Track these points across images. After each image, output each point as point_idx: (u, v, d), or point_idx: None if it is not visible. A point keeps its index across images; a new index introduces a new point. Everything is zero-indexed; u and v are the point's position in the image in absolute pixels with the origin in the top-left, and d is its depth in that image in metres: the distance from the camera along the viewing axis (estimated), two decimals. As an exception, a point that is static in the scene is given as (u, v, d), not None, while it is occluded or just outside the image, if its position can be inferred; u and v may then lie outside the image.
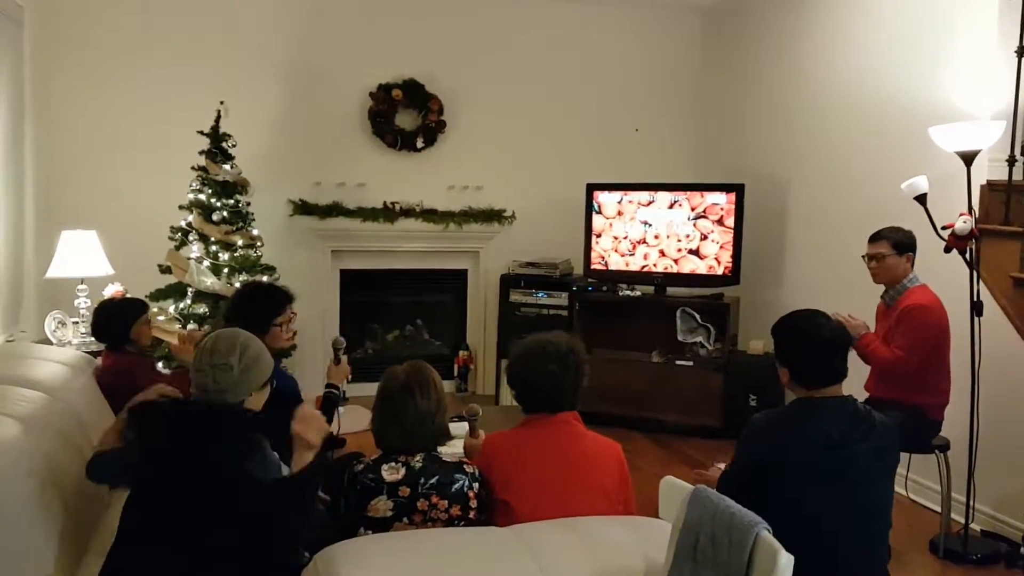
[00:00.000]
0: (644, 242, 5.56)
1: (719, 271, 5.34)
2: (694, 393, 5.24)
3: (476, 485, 2.22)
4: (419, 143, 5.83)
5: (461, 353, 6.20)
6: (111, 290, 4.50)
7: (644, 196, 5.53)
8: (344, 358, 3.08)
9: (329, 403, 2.89)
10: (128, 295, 4.33)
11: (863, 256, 3.67)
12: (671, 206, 5.46)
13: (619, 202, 5.61)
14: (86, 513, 2.58)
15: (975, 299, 3.53)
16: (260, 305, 3.06)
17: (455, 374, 6.17)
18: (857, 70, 4.72)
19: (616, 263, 5.66)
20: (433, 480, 2.16)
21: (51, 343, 4.34)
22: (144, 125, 5.32)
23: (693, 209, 5.40)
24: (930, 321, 3.45)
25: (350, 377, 3.14)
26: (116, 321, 3.46)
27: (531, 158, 6.11)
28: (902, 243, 3.56)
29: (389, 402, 2.27)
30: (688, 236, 5.42)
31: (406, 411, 2.24)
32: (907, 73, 4.32)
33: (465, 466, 2.25)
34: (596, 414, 4.91)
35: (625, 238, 5.61)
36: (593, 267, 5.73)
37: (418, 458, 2.20)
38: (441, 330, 6.42)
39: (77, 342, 4.42)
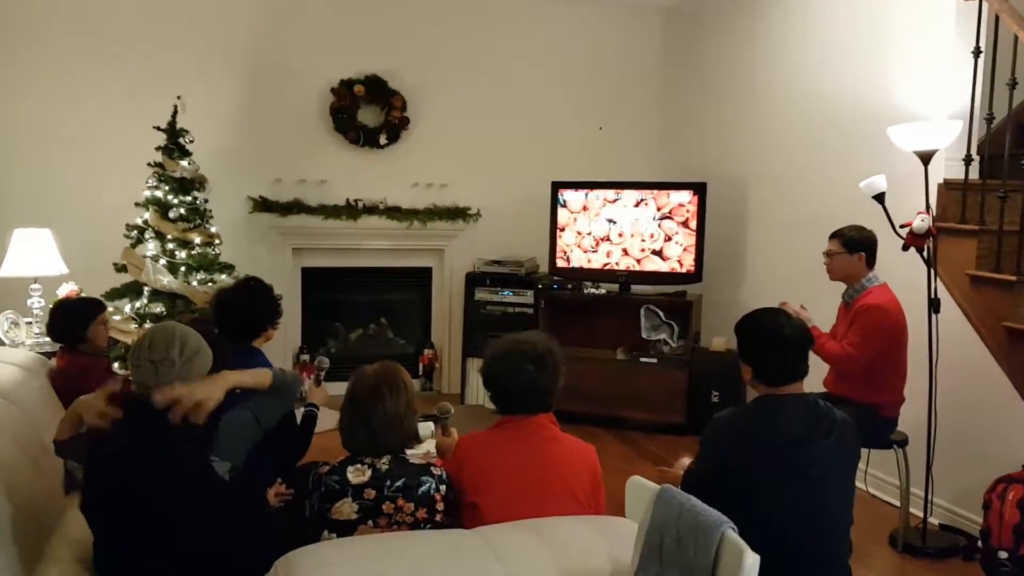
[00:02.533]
0: (608, 239, 5.57)
1: (682, 269, 5.37)
2: (658, 390, 5.27)
3: (443, 487, 2.19)
4: (382, 140, 5.78)
5: (426, 352, 6.17)
6: (65, 289, 4.40)
7: (610, 193, 5.54)
8: (324, 384, 3.07)
9: (309, 421, 2.89)
10: (83, 294, 4.24)
11: (824, 252, 3.71)
12: (637, 204, 5.47)
13: (585, 196, 5.61)
14: (40, 520, 2.51)
15: (932, 296, 3.59)
16: (266, 310, 3.05)
17: (420, 373, 6.14)
18: (816, 70, 4.77)
19: (578, 259, 5.66)
20: (399, 483, 2.13)
21: (4, 344, 4.23)
22: (98, 120, 5.20)
23: (659, 209, 5.41)
24: (883, 322, 3.48)
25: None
26: (72, 321, 3.38)
27: (496, 156, 6.08)
28: (853, 241, 3.60)
29: (358, 403, 2.24)
30: (652, 236, 5.44)
31: (375, 413, 2.21)
32: (866, 73, 4.38)
33: (432, 468, 2.22)
34: (561, 412, 4.86)
35: (589, 234, 5.61)
36: (558, 265, 5.73)
37: (384, 460, 2.17)
38: (406, 329, 6.37)
39: (31, 343, 4.32)
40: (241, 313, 2.97)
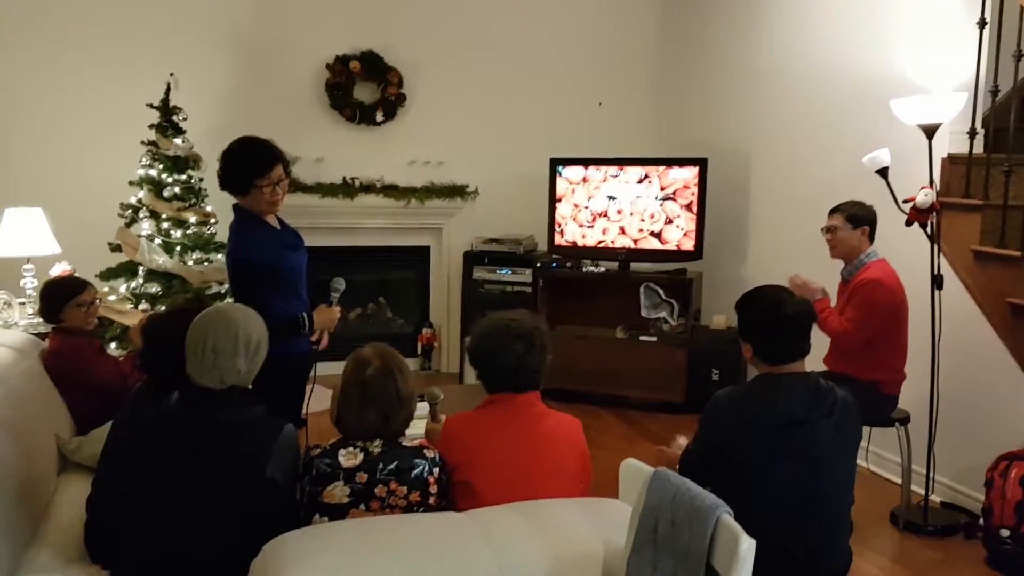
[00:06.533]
0: (606, 215, 5.50)
1: (683, 247, 5.31)
2: (658, 369, 5.24)
3: (436, 470, 2.16)
4: (379, 117, 5.71)
5: (425, 331, 6.13)
6: (58, 269, 4.35)
7: (612, 169, 5.46)
8: (337, 307, 3.05)
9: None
10: (76, 274, 4.19)
11: (822, 229, 3.66)
12: (640, 181, 5.39)
13: (584, 171, 5.54)
14: (29, 504, 2.49)
15: (935, 272, 3.54)
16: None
17: (419, 352, 6.10)
18: (819, 42, 4.69)
19: (572, 233, 5.59)
20: (392, 466, 2.10)
21: (-4, 325, 4.20)
22: (91, 98, 5.12)
23: (663, 189, 5.34)
24: (880, 297, 3.44)
25: (333, 328, 3.08)
26: (47, 301, 3.36)
27: (494, 133, 6.00)
28: (856, 216, 3.55)
29: (369, 387, 2.17)
30: (653, 216, 5.37)
31: (387, 394, 2.16)
32: (869, 45, 4.29)
33: (425, 451, 2.19)
34: (561, 391, 4.90)
35: (586, 208, 5.55)
36: (557, 243, 5.67)
37: (377, 443, 2.13)
38: (404, 308, 6.33)
39: (24, 324, 4.27)
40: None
